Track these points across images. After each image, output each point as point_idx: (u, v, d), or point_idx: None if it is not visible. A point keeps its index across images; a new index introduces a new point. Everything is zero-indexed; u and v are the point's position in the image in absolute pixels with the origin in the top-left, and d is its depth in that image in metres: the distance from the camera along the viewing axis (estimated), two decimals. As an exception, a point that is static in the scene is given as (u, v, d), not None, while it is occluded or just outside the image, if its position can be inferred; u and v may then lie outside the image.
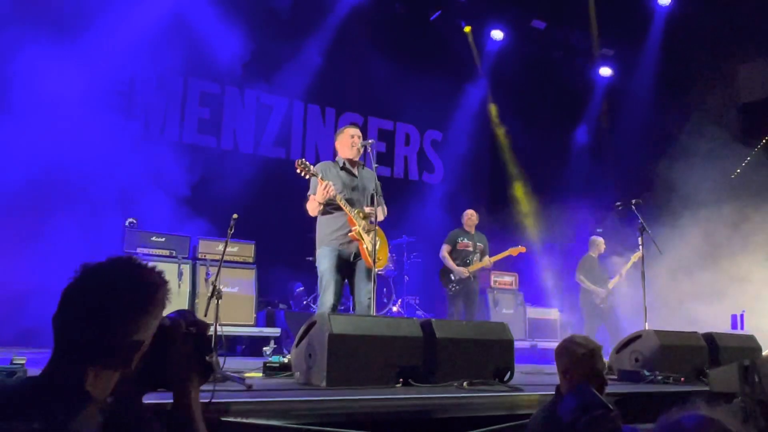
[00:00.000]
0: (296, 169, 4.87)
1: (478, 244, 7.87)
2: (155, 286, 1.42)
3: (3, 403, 1.20)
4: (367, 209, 5.01)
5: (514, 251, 7.90)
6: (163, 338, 1.48)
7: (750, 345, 5.80)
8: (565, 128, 10.45)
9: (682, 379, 4.86)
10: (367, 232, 4.94)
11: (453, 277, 7.70)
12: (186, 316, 1.58)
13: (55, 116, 6.57)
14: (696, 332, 5.70)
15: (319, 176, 4.84)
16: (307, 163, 4.90)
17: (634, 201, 6.64)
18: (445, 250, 7.83)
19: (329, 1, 8.88)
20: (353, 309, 5.09)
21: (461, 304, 7.71)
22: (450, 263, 7.73)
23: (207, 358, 1.56)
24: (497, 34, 10.17)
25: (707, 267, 8.23)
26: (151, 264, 1.46)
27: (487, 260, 7.84)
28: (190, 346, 1.53)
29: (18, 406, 1.18)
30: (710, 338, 5.63)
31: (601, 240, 8.60)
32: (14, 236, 6.05)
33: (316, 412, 3.11)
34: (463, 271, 7.65)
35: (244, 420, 2.70)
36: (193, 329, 1.55)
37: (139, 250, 6.65)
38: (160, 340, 1.46)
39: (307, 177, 4.93)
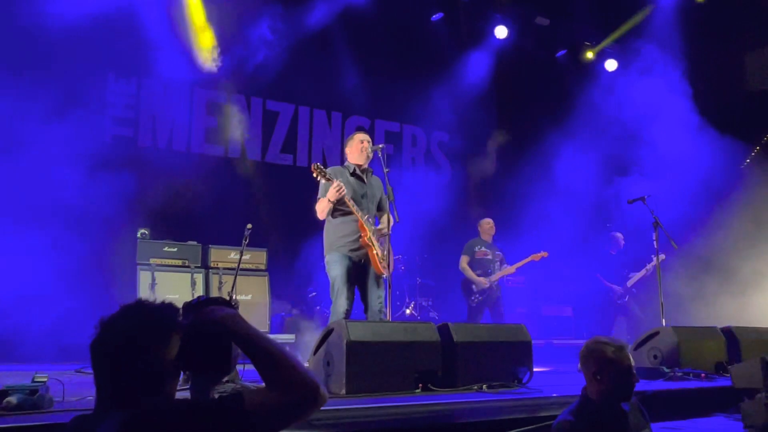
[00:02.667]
0: (312, 172, 4.92)
1: (496, 252, 7.67)
2: (168, 321, 1.56)
3: None
4: (381, 226, 5.02)
5: (536, 257, 7.61)
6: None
7: (769, 338, 5.75)
8: (570, 124, 10.37)
9: (703, 374, 4.82)
10: (378, 238, 4.94)
11: (474, 288, 7.47)
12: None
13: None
14: (714, 327, 5.67)
15: (333, 182, 4.86)
16: (322, 166, 4.93)
17: (646, 196, 6.59)
18: (464, 261, 7.59)
19: (331, 5, 8.87)
20: (365, 314, 5.08)
21: (487, 314, 7.47)
22: (470, 274, 7.50)
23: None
24: (501, 31, 10.12)
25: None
26: (158, 301, 1.59)
27: (509, 268, 7.59)
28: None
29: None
30: (729, 332, 5.59)
31: (620, 236, 8.37)
32: (25, 250, 6.06)
33: (336, 421, 3.10)
34: (483, 282, 7.42)
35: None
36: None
37: (151, 260, 6.66)
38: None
39: (322, 180, 4.94)
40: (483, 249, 7.62)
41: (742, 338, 5.56)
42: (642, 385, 4.53)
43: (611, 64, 10.89)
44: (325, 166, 5.08)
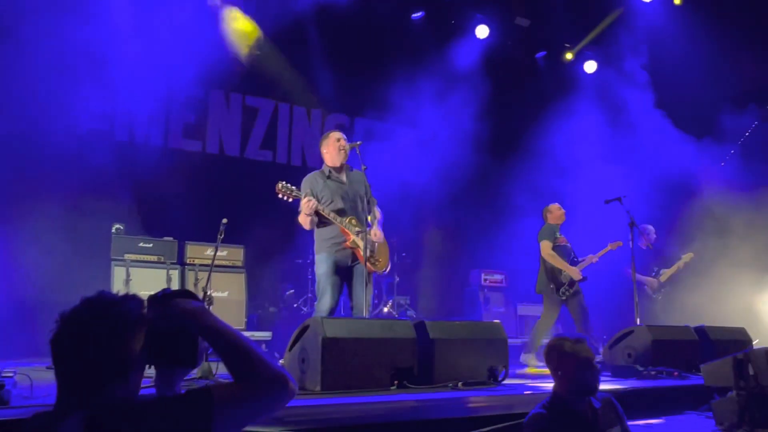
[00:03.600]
0: (278, 194, 4.86)
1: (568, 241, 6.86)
2: (131, 314, 1.51)
3: None
4: (371, 234, 4.99)
5: (613, 246, 6.93)
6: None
7: (741, 338, 5.85)
8: (550, 122, 10.44)
9: (676, 373, 4.88)
10: (361, 238, 4.92)
11: (563, 279, 6.58)
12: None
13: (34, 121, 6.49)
14: (688, 326, 5.75)
15: (302, 195, 4.83)
16: (288, 185, 4.88)
17: (622, 196, 6.65)
18: (547, 246, 6.66)
19: (312, 2, 8.82)
20: (351, 312, 5.07)
21: (576, 310, 6.56)
22: (561, 262, 6.58)
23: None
24: (482, 31, 10.15)
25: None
26: (122, 293, 1.55)
27: (593, 257, 6.84)
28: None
29: None
30: (702, 331, 5.66)
31: (652, 228, 7.86)
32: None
33: (311, 417, 3.08)
34: (576, 272, 6.57)
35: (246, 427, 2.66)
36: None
37: (126, 256, 6.57)
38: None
39: (290, 200, 4.89)
40: (562, 236, 6.82)
41: (715, 337, 5.64)
42: (616, 383, 4.58)
43: (590, 66, 10.99)
44: (305, 163, 5.06)
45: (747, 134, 9.83)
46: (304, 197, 4.78)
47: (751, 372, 3.58)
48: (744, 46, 9.41)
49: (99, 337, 1.45)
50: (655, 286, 7.76)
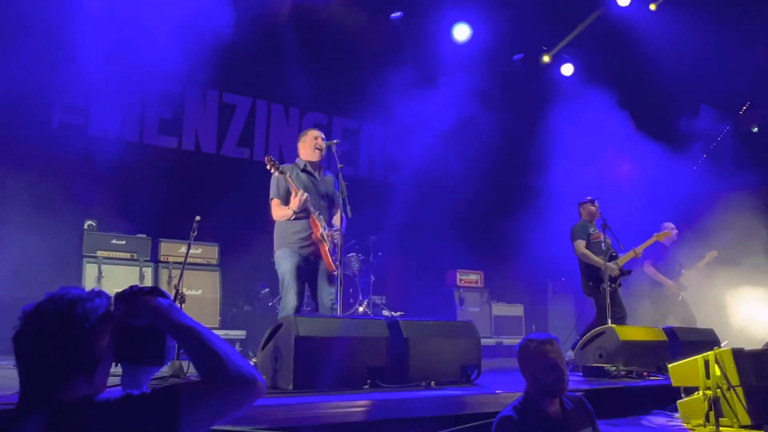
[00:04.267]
0: (266, 165, 4.89)
1: (604, 236, 6.66)
2: (97, 310, 1.48)
3: None
4: (334, 222, 5.00)
5: (660, 237, 6.94)
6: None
7: (709, 339, 5.95)
8: (529, 124, 10.52)
9: (645, 373, 4.95)
10: (330, 235, 4.94)
11: (602, 276, 6.45)
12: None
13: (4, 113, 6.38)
14: (658, 327, 5.83)
15: (287, 174, 4.84)
16: (275, 159, 4.93)
17: (595, 198, 6.72)
18: (581, 245, 6.66)
19: (290, 0, 8.79)
20: (317, 311, 5.06)
21: (614, 307, 6.40)
22: (596, 259, 6.52)
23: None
24: (461, 31, 10.20)
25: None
26: (88, 289, 1.51)
27: (635, 250, 6.72)
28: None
29: None
30: (671, 333, 5.76)
31: (671, 226, 7.67)
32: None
33: (283, 416, 3.07)
34: (614, 269, 6.50)
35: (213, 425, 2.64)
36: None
37: (98, 253, 6.50)
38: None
39: (276, 173, 4.91)
40: (596, 232, 6.76)
41: (684, 338, 5.74)
42: (587, 384, 4.63)
43: (567, 69, 11.10)
44: (282, 161, 5.07)
45: (718, 139, 10.02)
46: (296, 190, 4.78)
47: (716, 372, 3.65)
48: (719, 53, 9.59)
49: (63, 333, 1.42)
50: (674, 290, 7.57)
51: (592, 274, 6.60)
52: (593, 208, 6.81)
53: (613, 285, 6.45)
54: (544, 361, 2.71)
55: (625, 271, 6.59)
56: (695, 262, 7.80)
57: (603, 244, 6.56)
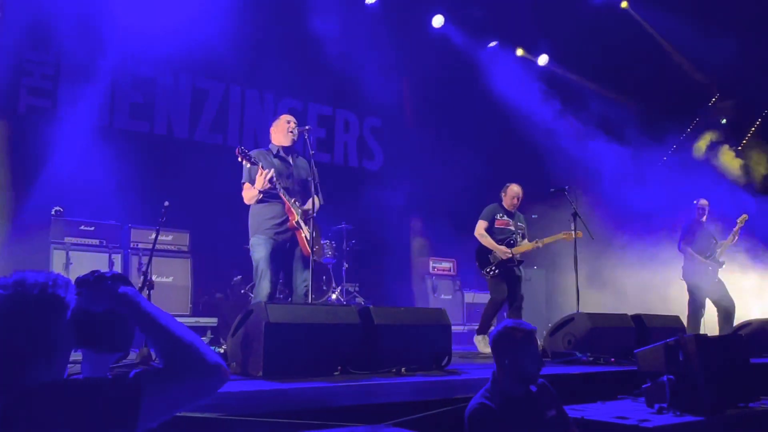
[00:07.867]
0: (237, 157, 4.85)
1: (519, 224, 6.79)
2: (56, 295, 1.47)
3: None
4: (307, 206, 4.98)
5: (568, 236, 6.67)
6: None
7: (675, 325, 6.09)
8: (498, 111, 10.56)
9: (612, 359, 5.04)
10: (306, 221, 4.92)
11: (491, 259, 6.53)
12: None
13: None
14: (626, 314, 5.93)
15: (260, 164, 4.80)
16: (246, 150, 4.91)
17: (566, 187, 6.80)
18: (481, 226, 6.64)
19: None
20: (291, 297, 5.05)
21: (504, 289, 6.54)
22: (489, 241, 6.54)
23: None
24: (438, 20, 10.19)
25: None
26: (45, 273, 1.49)
27: (538, 242, 6.67)
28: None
29: None
30: (639, 319, 5.86)
31: (705, 202, 7.52)
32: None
33: (252, 402, 3.07)
34: (505, 251, 6.49)
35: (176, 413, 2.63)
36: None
37: (66, 239, 6.38)
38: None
39: (247, 165, 4.87)
40: (504, 218, 6.72)
41: (651, 325, 5.85)
42: (555, 369, 4.69)
43: (543, 59, 11.16)
44: (257, 146, 5.05)
45: (682, 137, 10.19)
46: (262, 170, 4.74)
47: (680, 358, 3.73)
48: (687, 51, 9.75)
49: (20, 318, 1.40)
50: (711, 269, 7.41)
51: (482, 255, 6.63)
52: (512, 193, 6.75)
53: (496, 270, 6.48)
54: (531, 350, 2.76)
55: (517, 259, 6.59)
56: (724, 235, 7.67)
57: (506, 230, 6.63)
